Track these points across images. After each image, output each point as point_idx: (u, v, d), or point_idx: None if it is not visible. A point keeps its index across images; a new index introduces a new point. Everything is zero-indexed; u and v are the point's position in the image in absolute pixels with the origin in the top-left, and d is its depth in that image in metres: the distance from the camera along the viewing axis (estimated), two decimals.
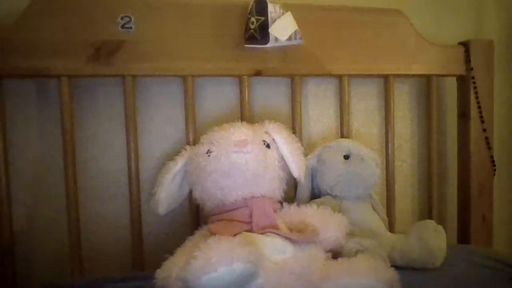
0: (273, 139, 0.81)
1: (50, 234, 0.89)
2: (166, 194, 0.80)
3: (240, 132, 0.77)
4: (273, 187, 0.78)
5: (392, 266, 0.64)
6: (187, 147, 0.84)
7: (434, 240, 0.80)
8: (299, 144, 0.83)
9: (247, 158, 0.73)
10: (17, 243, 0.84)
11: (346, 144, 0.91)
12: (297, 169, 0.80)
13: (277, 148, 0.80)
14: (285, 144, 0.80)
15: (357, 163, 0.87)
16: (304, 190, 0.90)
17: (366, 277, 0.60)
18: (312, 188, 0.92)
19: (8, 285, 0.81)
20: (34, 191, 0.88)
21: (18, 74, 0.81)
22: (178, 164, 0.80)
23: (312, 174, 0.91)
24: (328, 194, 0.89)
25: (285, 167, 0.80)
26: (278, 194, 0.79)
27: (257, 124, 0.84)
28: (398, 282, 0.61)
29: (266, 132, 0.81)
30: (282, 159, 0.80)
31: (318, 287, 0.62)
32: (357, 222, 0.84)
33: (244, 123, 0.83)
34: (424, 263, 0.79)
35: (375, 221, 0.88)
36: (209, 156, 0.75)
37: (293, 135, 0.85)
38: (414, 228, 0.84)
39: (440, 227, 0.83)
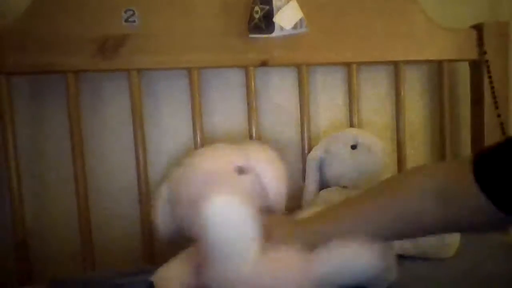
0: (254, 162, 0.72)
1: (62, 230, 0.90)
2: (162, 219, 0.76)
3: (210, 161, 0.72)
4: None
5: (404, 255, 0.63)
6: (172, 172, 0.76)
7: None
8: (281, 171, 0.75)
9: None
10: (30, 239, 0.84)
11: (353, 134, 0.89)
12: (275, 200, 0.73)
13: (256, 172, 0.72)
14: (268, 174, 0.72)
15: (364, 152, 0.86)
16: (311, 183, 0.89)
17: (356, 247, 0.56)
18: (321, 179, 0.91)
19: (23, 279, 0.82)
20: (45, 188, 0.90)
21: (24, 70, 0.82)
22: (165, 189, 0.75)
23: (320, 165, 0.90)
24: (336, 184, 0.88)
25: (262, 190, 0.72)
26: None
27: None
28: (393, 257, 0.60)
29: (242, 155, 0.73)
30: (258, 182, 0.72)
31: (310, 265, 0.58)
32: None
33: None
34: (437, 252, 0.77)
35: None
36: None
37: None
38: None
39: None
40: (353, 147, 0.88)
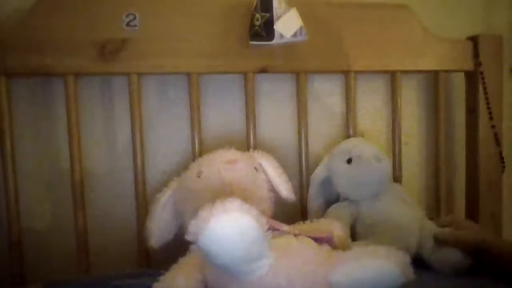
0: (260, 164, 0.82)
1: (58, 232, 0.89)
2: (157, 226, 0.79)
3: (231, 153, 0.79)
4: (263, 207, 0.76)
5: None
6: (175, 178, 0.83)
7: None
8: (282, 169, 0.85)
9: (238, 175, 0.74)
10: (25, 241, 0.84)
11: (347, 147, 0.90)
12: (286, 189, 0.82)
13: (264, 172, 0.82)
14: (271, 167, 0.82)
15: (359, 164, 0.87)
16: (313, 202, 0.91)
17: (376, 258, 0.55)
18: (329, 195, 0.92)
19: (16, 281, 0.82)
20: (41, 189, 0.89)
21: (24, 72, 0.82)
22: (166, 194, 0.80)
23: (326, 184, 0.91)
24: (344, 199, 0.89)
25: (272, 188, 0.82)
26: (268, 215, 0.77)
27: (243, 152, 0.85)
28: (410, 266, 0.57)
29: (252, 157, 0.83)
30: (269, 181, 0.81)
31: (327, 277, 0.57)
32: (381, 219, 0.83)
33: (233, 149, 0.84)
34: None
35: (403, 214, 0.86)
36: (199, 177, 0.76)
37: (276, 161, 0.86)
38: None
39: None
40: (349, 161, 0.88)
